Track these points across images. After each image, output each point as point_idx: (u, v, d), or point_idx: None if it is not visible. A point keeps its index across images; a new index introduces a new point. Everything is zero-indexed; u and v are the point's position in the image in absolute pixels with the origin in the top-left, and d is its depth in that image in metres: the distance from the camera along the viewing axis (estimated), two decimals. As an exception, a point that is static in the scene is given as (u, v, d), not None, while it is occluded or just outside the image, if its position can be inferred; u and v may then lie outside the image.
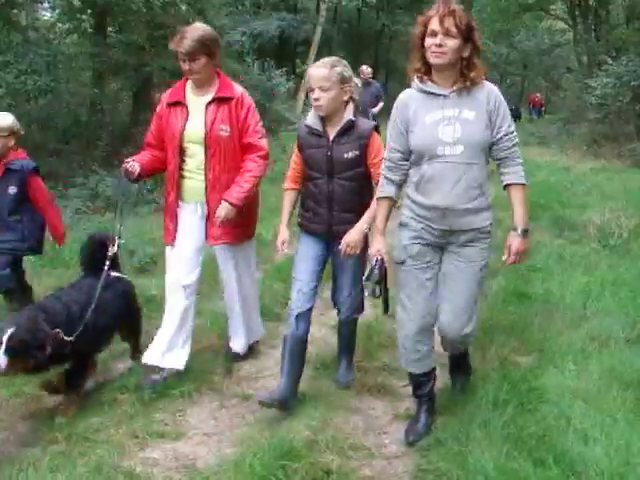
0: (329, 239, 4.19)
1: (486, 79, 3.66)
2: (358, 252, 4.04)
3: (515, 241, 3.67)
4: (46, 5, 19.79)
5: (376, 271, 3.73)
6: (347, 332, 4.54)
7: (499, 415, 3.75)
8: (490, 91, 3.60)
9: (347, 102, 4.13)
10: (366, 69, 14.16)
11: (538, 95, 42.37)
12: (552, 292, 5.95)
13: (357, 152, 4.06)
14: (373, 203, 4.01)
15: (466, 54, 3.50)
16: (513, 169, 3.68)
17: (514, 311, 5.60)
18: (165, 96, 4.53)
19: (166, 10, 17.18)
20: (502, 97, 3.65)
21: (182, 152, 4.40)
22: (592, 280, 6.13)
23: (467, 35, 3.47)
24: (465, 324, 3.69)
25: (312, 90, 4.07)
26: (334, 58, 4.23)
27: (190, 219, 4.48)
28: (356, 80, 4.31)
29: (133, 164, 4.32)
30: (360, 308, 4.43)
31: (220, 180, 4.34)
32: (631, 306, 5.44)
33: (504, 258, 3.69)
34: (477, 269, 3.66)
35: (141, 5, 15.17)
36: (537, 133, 25.93)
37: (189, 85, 4.48)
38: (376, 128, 4.24)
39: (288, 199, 4.45)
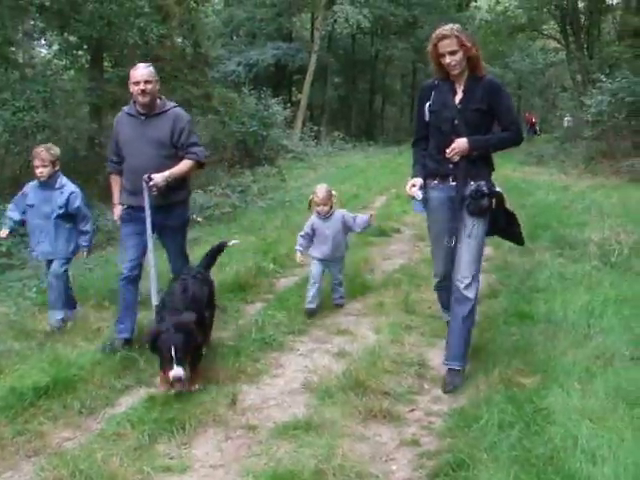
0: None
1: None
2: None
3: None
4: (42, 42, 19.97)
5: None
6: None
7: (505, 437, 3.73)
8: None
9: None
10: None
11: (527, 114, 42.67)
12: (555, 312, 5.93)
13: None
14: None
15: None
16: None
17: (517, 332, 5.59)
18: None
19: (162, 43, 17.31)
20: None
21: None
22: (594, 298, 6.11)
23: None
24: None
25: None
26: None
27: None
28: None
29: None
30: None
31: None
32: (634, 323, 5.42)
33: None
34: None
35: (137, 39, 15.29)
36: (535, 152, 26.02)
37: None
38: None
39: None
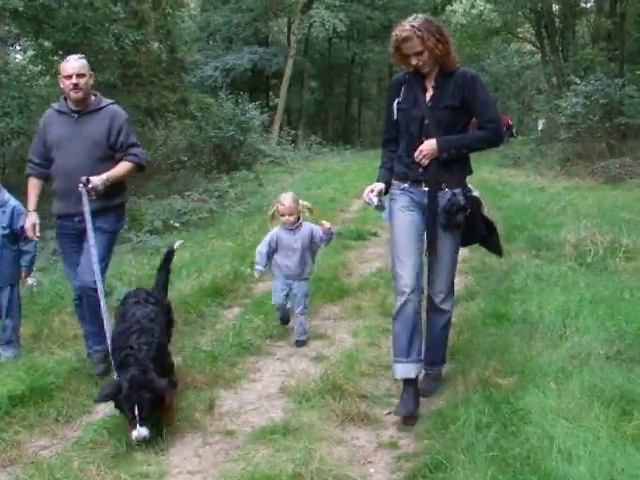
0: None
1: None
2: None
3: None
4: (17, 48, 19.84)
5: None
6: None
7: (482, 438, 3.74)
8: None
9: None
10: None
11: (503, 116, 42.91)
12: (531, 312, 5.95)
13: None
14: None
15: None
16: None
17: (494, 333, 5.61)
18: None
19: (137, 49, 17.26)
20: None
21: None
22: (570, 299, 6.14)
23: None
24: None
25: None
26: None
27: None
28: None
29: None
30: None
31: None
32: (610, 323, 5.45)
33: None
34: None
35: (112, 44, 15.23)
36: (511, 154, 26.16)
37: None
38: None
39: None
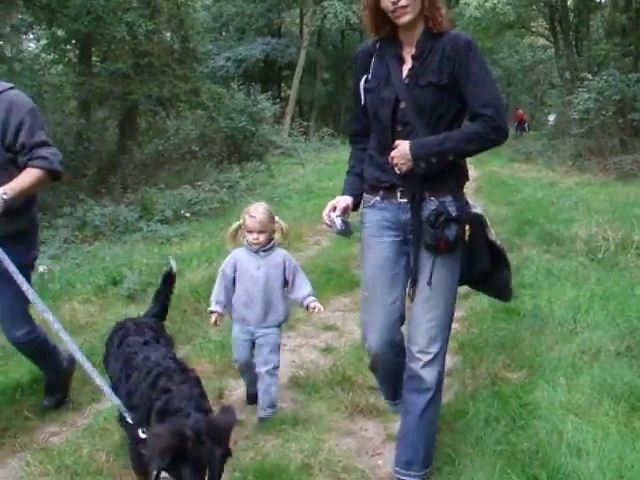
0: None
1: None
2: None
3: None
4: (30, 36, 19.88)
5: None
6: None
7: (491, 432, 3.75)
8: None
9: None
10: None
11: (518, 110, 42.77)
12: (541, 307, 5.95)
13: None
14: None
15: None
16: None
17: (504, 327, 5.60)
18: None
19: (150, 38, 17.28)
20: None
21: None
22: (581, 294, 6.14)
23: None
24: None
25: None
26: None
27: None
28: None
29: None
30: None
31: None
32: (620, 319, 5.45)
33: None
34: None
35: (125, 34, 15.25)
36: (523, 149, 26.10)
37: None
38: None
39: None
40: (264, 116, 22.26)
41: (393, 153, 3.13)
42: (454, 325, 5.68)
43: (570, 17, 28.89)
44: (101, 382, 3.18)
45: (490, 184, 16.89)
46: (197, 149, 19.87)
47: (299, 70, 33.74)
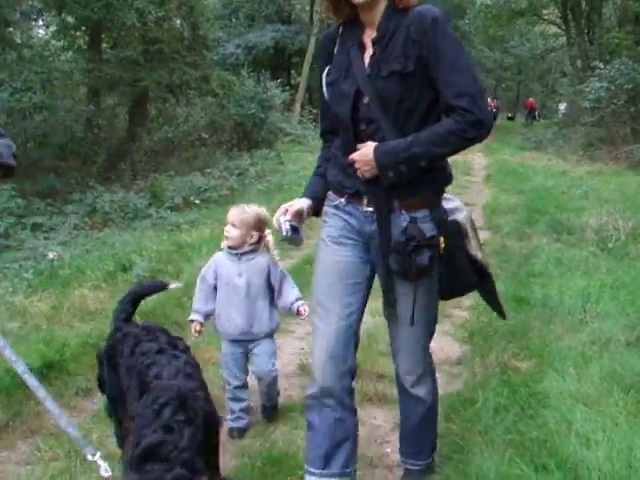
0: None
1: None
2: None
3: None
4: (40, 23, 19.89)
5: None
6: None
7: (500, 421, 3.75)
8: None
9: None
10: None
11: (529, 99, 42.62)
12: (551, 296, 5.93)
13: None
14: None
15: None
16: None
17: (513, 316, 5.57)
18: None
19: (160, 25, 17.26)
20: None
21: None
22: (591, 283, 6.11)
23: None
24: None
25: None
26: None
27: None
28: None
29: None
30: None
31: None
32: (630, 309, 5.43)
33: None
34: None
35: (135, 20, 15.24)
36: (533, 138, 26.01)
37: None
38: None
39: None
40: (274, 103, 22.23)
41: (354, 156, 2.70)
42: (464, 314, 5.80)
43: (582, 5, 28.66)
44: (53, 407, 2.79)
45: (500, 172, 16.85)
46: (207, 136, 19.88)
47: (309, 57, 33.57)
